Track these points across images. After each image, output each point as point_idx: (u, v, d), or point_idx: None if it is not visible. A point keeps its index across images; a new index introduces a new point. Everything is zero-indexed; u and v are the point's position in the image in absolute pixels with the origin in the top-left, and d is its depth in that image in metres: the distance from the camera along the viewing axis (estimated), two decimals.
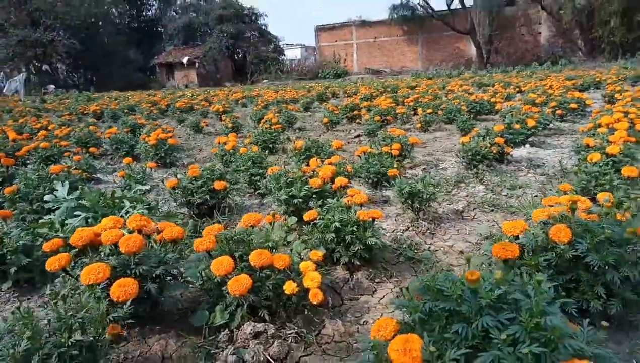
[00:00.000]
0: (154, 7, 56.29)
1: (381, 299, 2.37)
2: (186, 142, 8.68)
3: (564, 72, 25.73)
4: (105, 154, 6.80)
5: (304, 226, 2.79)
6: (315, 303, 2.01)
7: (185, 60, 44.79)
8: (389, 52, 46.90)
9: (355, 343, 2.00)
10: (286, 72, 47.14)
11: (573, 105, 8.41)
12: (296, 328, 2.06)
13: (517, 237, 2.01)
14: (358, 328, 2.12)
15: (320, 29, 49.50)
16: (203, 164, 6.24)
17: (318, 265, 2.29)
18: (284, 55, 51.54)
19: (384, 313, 2.23)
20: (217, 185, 3.48)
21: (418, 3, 42.61)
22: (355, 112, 9.76)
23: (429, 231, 3.23)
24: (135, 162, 6.07)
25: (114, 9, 49.24)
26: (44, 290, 2.57)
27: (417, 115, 9.54)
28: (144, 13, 55.80)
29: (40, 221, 3.07)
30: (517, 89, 14.66)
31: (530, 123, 5.92)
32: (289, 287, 2.01)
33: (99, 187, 4.78)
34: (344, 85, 27.91)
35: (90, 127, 7.10)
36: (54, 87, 36.82)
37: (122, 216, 3.09)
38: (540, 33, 42.39)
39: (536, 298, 1.29)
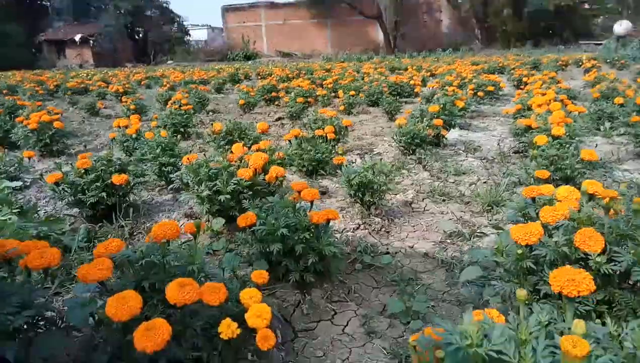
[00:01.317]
0: None
1: (345, 327, 1.82)
2: (79, 126, 7.51)
3: (466, 58, 26.88)
4: None
5: (237, 232, 2.15)
6: (266, 349, 1.41)
7: (77, 37, 40.83)
8: (299, 35, 46.28)
9: None
10: (193, 54, 44.96)
11: (490, 88, 8.44)
12: None
13: (531, 248, 1.52)
14: None
15: (228, 10, 47.57)
16: (100, 151, 5.28)
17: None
18: (189, 36, 49.00)
19: (352, 350, 1.69)
20: (116, 179, 2.71)
21: None
22: (274, 94, 9.11)
23: (383, 229, 2.74)
24: (10, 151, 4.98)
25: None
26: None
27: (338, 97, 9.12)
28: None
29: None
30: (429, 73, 14.84)
31: (460, 104, 5.68)
32: (228, 329, 1.39)
33: None
34: (255, 67, 27.01)
35: None
36: None
37: None
38: (441, 21, 44.22)
39: None
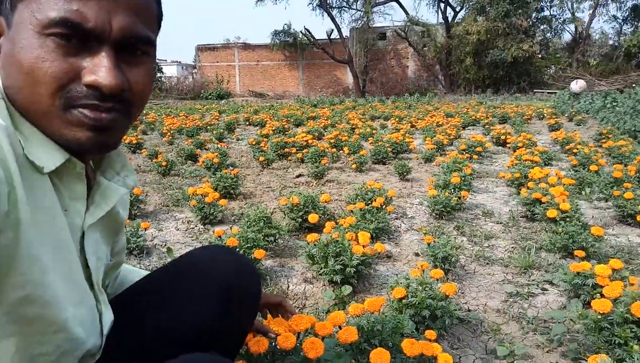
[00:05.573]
0: None
1: None
2: None
3: (435, 104, 28.64)
4: None
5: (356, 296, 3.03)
6: None
7: None
8: (272, 75, 47.87)
9: None
10: (165, 91, 45.46)
11: (479, 148, 9.67)
12: None
13: (605, 315, 2.48)
14: None
15: (202, 49, 48.75)
16: (172, 213, 6.00)
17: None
18: (162, 74, 49.56)
19: None
20: (257, 254, 3.54)
21: (300, 31, 44.33)
22: (286, 150, 10.05)
23: (459, 290, 3.67)
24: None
25: None
26: None
27: (343, 151, 10.15)
28: None
29: None
30: (410, 124, 16.11)
31: (468, 171, 6.77)
32: None
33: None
34: (235, 108, 27.91)
35: None
36: None
37: None
38: (407, 67, 46.81)
39: None
